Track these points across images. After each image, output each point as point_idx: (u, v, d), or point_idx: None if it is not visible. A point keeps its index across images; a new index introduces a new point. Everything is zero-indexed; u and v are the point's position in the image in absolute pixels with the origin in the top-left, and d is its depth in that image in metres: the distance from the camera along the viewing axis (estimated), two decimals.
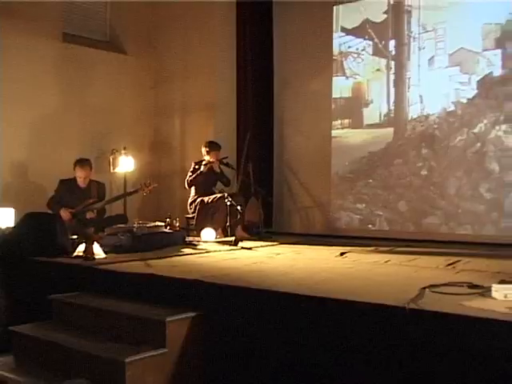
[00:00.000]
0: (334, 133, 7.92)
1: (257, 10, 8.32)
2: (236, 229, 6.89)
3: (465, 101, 6.88)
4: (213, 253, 5.91)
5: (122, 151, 7.52)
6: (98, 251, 5.37)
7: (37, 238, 5.41)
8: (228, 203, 6.71)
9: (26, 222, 5.64)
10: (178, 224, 6.71)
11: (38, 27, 7.17)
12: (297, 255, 5.76)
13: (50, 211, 6.25)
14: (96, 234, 5.71)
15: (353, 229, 7.64)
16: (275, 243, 6.68)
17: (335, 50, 7.97)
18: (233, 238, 6.48)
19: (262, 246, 6.38)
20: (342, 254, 5.70)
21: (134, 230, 6.02)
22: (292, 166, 8.32)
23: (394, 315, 3.25)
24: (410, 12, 7.39)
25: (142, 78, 8.50)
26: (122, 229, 6.06)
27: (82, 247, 5.32)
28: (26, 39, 7.03)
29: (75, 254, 5.34)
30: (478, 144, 6.71)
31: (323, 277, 4.42)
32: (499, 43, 6.68)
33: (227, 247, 6.28)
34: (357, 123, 7.80)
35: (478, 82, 6.82)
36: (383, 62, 7.61)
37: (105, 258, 5.31)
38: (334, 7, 7.94)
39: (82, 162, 6.58)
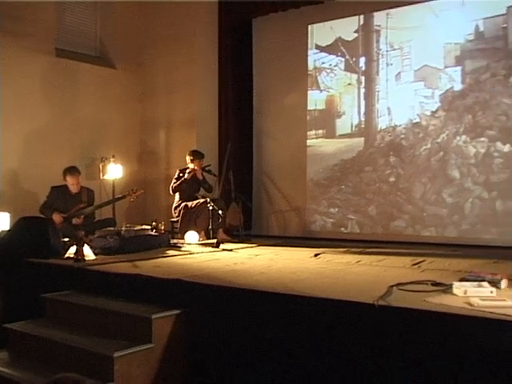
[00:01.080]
0: (309, 142, 7.93)
1: (237, 29, 8.32)
2: (218, 232, 6.87)
3: (429, 113, 6.94)
4: (196, 254, 5.90)
5: (111, 159, 7.45)
6: (88, 253, 5.34)
7: (30, 240, 5.38)
8: (210, 208, 6.72)
9: (20, 225, 5.61)
10: (163, 227, 6.66)
11: (33, 43, 7.12)
12: (274, 256, 5.76)
13: (42, 216, 6.19)
14: (86, 237, 5.66)
15: (326, 231, 7.64)
16: (254, 245, 6.67)
17: (310, 66, 7.99)
18: (215, 241, 6.47)
19: (242, 248, 6.37)
20: (316, 255, 5.70)
21: (122, 232, 6.00)
22: (270, 173, 8.30)
23: (365, 311, 3.27)
24: (378, 31, 7.43)
25: (129, 91, 8.45)
26: (111, 232, 6.04)
27: (73, 249, 5.29)
28: (21, 55, 6.98)
29: (67, 255, 5.31)
30: (441, 153, 6.77)
31: (298, 276, 4.42)
32: (459, 61, 6.76)
33: (209, 249, 6.26)
34: (330, 133, 7.81)
35: (440, 96, 6.88)
36: (354, 76, 7.64)
37: (95, 260, 5.29)
38: (309, 26, 7.95)
39: (71, 170, 6.52)
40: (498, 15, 6.49)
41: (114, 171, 7.50)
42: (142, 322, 3.91)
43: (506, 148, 6.36)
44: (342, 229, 7.54)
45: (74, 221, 6.35)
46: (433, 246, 6.31)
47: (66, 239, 5.70)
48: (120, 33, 8.37)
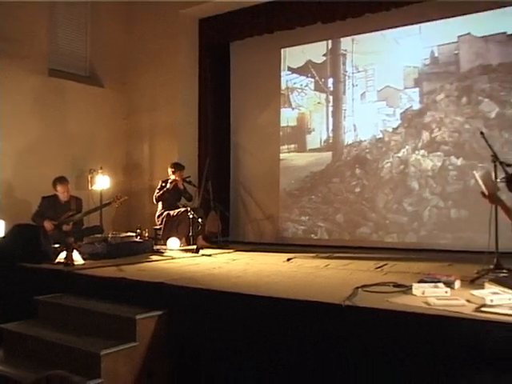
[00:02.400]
0: (281, 156, 7.94)
1: (216, 51, 8.32)
2: (197, 238, 6.82)
3: (390, 130, 7.00)
4: (177, 259, 5.86)
5: (99, 171, 7.38)
6: (77, 258, 5.30)
7: (23, 246, 5.32)
8: (191, 216, 6.68)
9: (14, 232, 5.55)
10: (147, 234, 6.63)
11: (28, 64, 7.07)
12: (250, 261, 5.74)
13: (34, 223, 6.12)
14: (75, 243, 5.61)
15: (298, 238, 7.63)
16: (231, 251, 6.64)
17: (283, 86, 8.01)
18: (195, 247, 6.44)
19: (220, 253, 6.34)
20: (288, 259, 5.70)
21: (109, 239, 5.95)
22: (246, 184, 8.29)
23: (333, 311, 3.28)
24: (345, 55, 7.49)
25: (116, 108, 8.38)
26: (98, 238, 5.98)
27: (63, 254, 5.24)
28: (17, 74, 6.92)
29: (57, 260, 5.25)
30: (402, 166, 6.84)
31: (273, 279, 4.42)
32: (417, 83, 6.85)
33: (190, 254, 6.22)
34: (301, 148, 7.83)
35: (400, 114, 6.95)
36: (323, 96, 7.69)
37: (83, 264, 5.24)
38: (282, 50, 7.99)
39: (61, 180, 6.45)
40: (451, 43, 6.60)
41: (102, 182, 7.43)
42: (126, 322, 3.88)
43: (459, 161, 6.45)
44: (312, 235, 7.54)
45: (64, 227, 6.26)
46: (394, 251, 6.35)
47: (57, 245, 5.63)
48: (107, 54, 8.33)
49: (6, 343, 4.17)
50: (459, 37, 6.54)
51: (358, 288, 3.68)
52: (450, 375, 2.84)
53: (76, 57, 8.09)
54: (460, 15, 6.44)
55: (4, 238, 5.69)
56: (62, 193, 6.44)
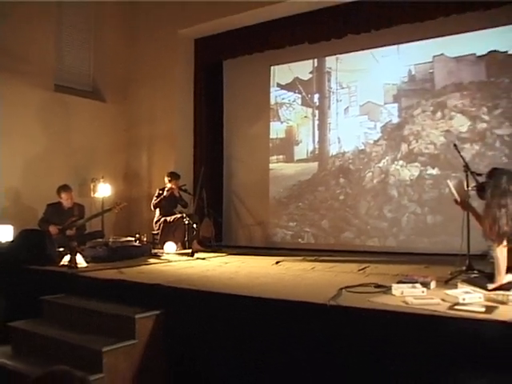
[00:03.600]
0: (271, 166, 7.95)
1: (210, 68, 8.33)
2: (192, 243, 6.80)
3: (372, 142, 7.05)
4: (174, 262, 5.84)
5: (101, 179, 7.38)
6: (80, 261, 5.28)
7: (30, 249, 5.30)
8: (186, 222, 6.68)
9: (21, 236, 5.54)
10: (145, 239, 6.57)
11: (35, 80, 7.06)
12: (241, 264, 5.73)
13: (40, 229, 6.08)
14: (78, 247, 5.59)
15: (286, 242, 7.61)
16: (224, 254, 6.62)
17: (272, 101, 8.04)
18: (190, 250, 6.41)
19: (213, 257, 6.31)
20: (277, 262, 5.69)
21: (110, 243, 5.92)
22: (237, 192, 8.27)
23: (319, 310, 3.29)
24: (329, 73, 7.54)
25: (117, 121, 8.35)
26: (100, 242, 5.95)
27: (67, 258, 5.22)
28: (24, 89, 6.91)
29: (61, 263, 5.22)
30: (382, 175, 6.89)
31: (262, 281, 4.42)
32: (396, 98, 6.91)
33: (185, 258, 6.20)
34: (289, 158, 7.85)
35: (381, 127, 7.00)
36: (309, 110, 7.72)
37: (86, 267, 5.22)
38: (271, 67, 8.02)
39: (65, 187, 6.42)
40: (426, 62, 6.67)
41: (103, 190, 7.42)
42: (126, 321, 3.87)
43: (435, 171, 6.50)
44: (300, 240, 7.54)
45: (68, 232, 6.22)
46: (376, 254, 6.35)
47: (61, 249, 5.60)
48: (110, 70, 8.33)
49: (14, 340, 4.15)
50: (434, 57, 6.61)
51: (341, 289, 3.67)
52: (427, 370, 2.86)
53: (80, 73, 8.09)
54: (434, 37, 6.50)
55: (12, 242, 5.67)
56: (65, 200, 6.41)
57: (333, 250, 6.88)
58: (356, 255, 6.29)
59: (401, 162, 6.78)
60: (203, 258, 6.13)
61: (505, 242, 3.54)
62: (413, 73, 6.79)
